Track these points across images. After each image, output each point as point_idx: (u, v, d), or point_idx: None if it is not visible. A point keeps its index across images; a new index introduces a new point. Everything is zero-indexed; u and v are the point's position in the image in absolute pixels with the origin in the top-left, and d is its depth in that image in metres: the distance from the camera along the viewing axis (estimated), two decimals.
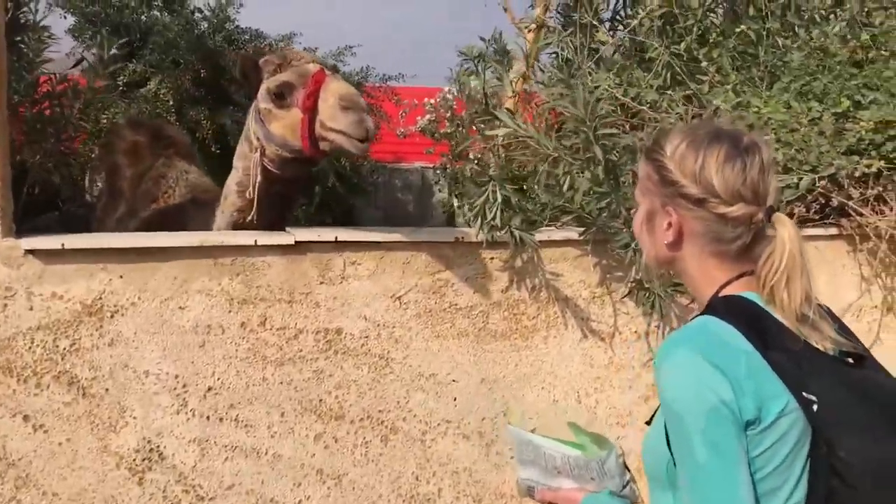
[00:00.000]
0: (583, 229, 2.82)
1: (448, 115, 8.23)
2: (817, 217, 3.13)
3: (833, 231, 3.23)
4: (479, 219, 2.60)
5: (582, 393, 3.02)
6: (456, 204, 6.49)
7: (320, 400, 2.71)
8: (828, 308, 1.45)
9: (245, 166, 2.81)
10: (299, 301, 2.67)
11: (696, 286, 1.46)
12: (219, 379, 2.59)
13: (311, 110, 2.50)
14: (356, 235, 2.69)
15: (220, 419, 2.60)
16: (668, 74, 3.82)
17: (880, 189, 3.01)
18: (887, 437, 1.30)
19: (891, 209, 3.04)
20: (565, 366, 2.98)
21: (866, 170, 2.90)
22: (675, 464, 1.33)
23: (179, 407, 2.55)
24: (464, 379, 2.87)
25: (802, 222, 3.15)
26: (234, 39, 6.28)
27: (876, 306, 3.37)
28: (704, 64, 3.78)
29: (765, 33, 3.86)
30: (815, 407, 1.26)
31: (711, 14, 3.97)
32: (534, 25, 4.37)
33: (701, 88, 3.71)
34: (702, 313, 1.39)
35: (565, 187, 2.53)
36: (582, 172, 2.45)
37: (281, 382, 2.66)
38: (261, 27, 6.44)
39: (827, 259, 3.24)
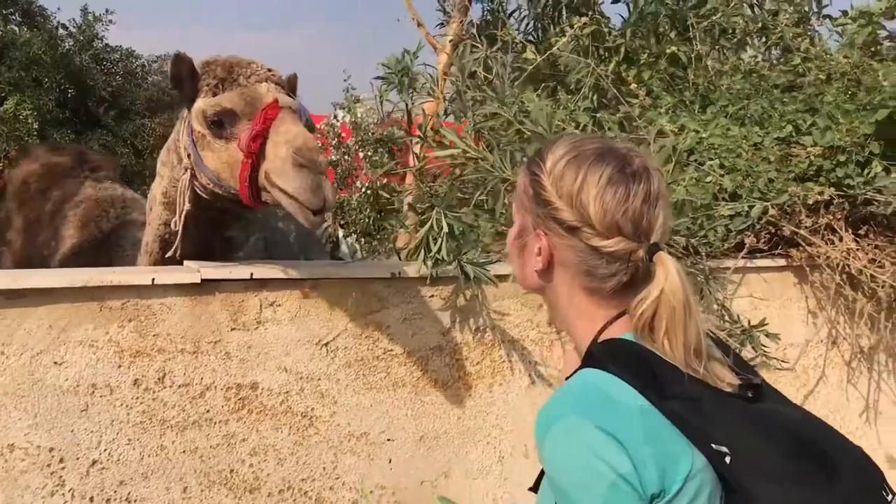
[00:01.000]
0: None
1: (334, 142, 7.99)
2: (766, 248, 3.11)
3: (781, 262, 3.22)
4: (422, 251, 2.37)
5: (530, 447, 2.82)
6: (342, 234, 6.24)
7: (231, 470, 2.36)
8: (716, 337, 1.32)
9: (172, 176, 2.44)
10: (206, 351, 2.33)
11: (568, 322, 1.30)
12: (106, 450, 2.21)
13: (256, 154, 2.10)
14: (275, 272, 2.39)
15: (108, 500, 2.21)
16: (595, 96, 3.80)
17: (830, 218, 3.03)
18: (803, 480, 1.17)
19: (840, 239, 3.07)
20: (512, 417, 2.77)
21: (819, 197, 2.90)
22: None
23: (55, 487, 2.14)
24: (400, 437, 2.60)
25: (752, 253, 3.12)
26: (103, 58, 5.90)
27: (822, 340, 3.39)
28: (634, 86, 3.76)
29: (693, 56, 3.91)
30: (727, 459, 1.12)
31: (638, 35, 3.99)
32: (448, 43, 4.27)
33: (631, 112, 3.68)
34: (582, 364, 1.22)
35: None
36: None
37: (184, 451, 2.30)
38: (133, 45, 6.09)
39: (776, 293, 3.23)
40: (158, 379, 2.27)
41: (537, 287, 1.33)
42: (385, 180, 8.15)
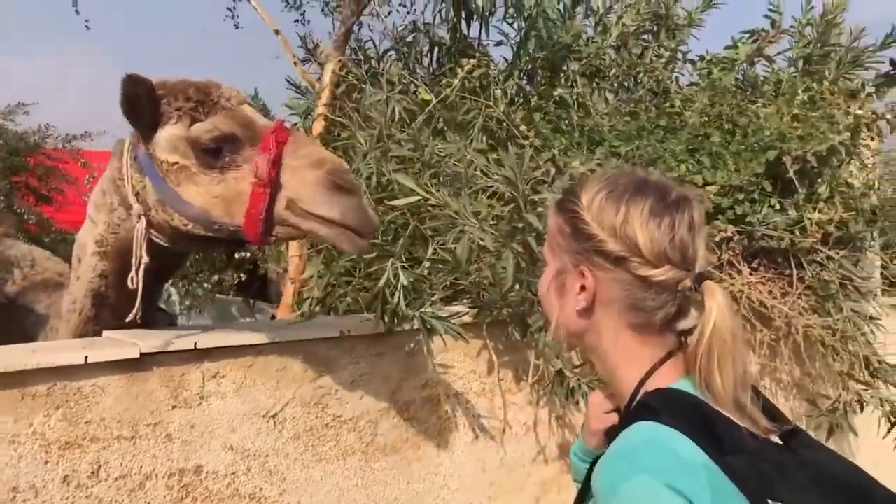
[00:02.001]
0: (475, 310, 2.68)
1: None
2: None
3: None
4: (380, 305, 2.32)
5: None
6: None
7: None
8: (753, 386, 1.36)
9: (110, 221, 2.18)
10: (145, 436, 2.13)
11: (611, 366, 1.34)
12: None
13: (274, 183, 1.93)
14: (219, 339, 2.24)
15: None
16: (484, 137, 3.93)
17: (730, 253, 3.32)
18: None
19: (739, 272, 3.37)
20: (458, 475, 2.75)
21: (724, 234, 3.18)
22: None
23: None
24: None
25: None
26: None
27: None
28: (523, 128, 3.93)
29: (575, 98, 4.16)
30: None
31: (522, 78, 4.18)
32: (328, 82, 4.25)
33: (523, 153, 3.84)
34: (634, 415, 1.26)
35: (496, 265, 2.37)
36: (506, 246, 2.31)
37: None
38: None
39: None
40: (92, 472, 2.05)
41: (577, 330, 1.33)
42: None
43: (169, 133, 2.03)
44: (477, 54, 4.10)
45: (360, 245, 1.99)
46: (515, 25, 4.19)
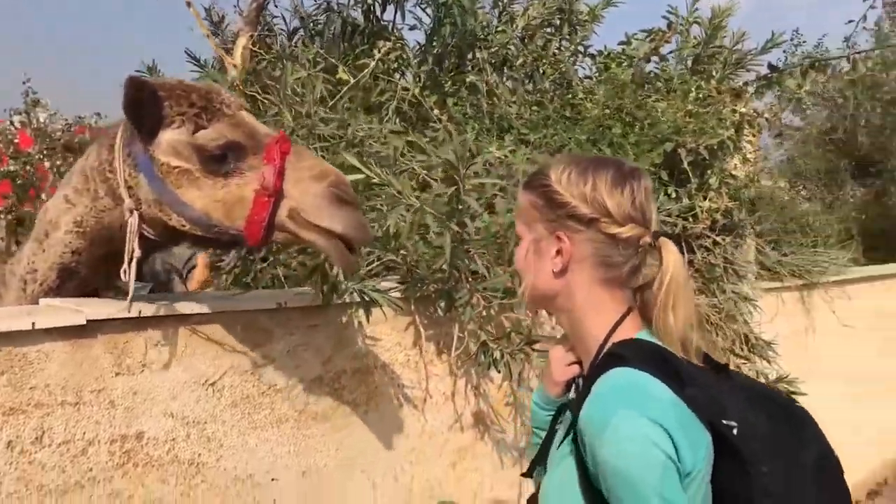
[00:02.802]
0: (404, 285, 2.82)
1: (10, 150, 7.42)
2: None
3: None
4: (319, 277, 2.42)
5: (398, 470, 2.96)
6: None
7: None
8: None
9: (94, 207, 2.20)
10: (89, 402, 2.15)
11: (580, 321, 1.54)
12: None
13: (279, 192, 2.00)
14: (163, 308, 2.29)
15: None
16: (397, 119, 4.06)
17: None
18: (795, 441, 1.59)
19: None
20: (384, 443, 2.89)
21: None
22: None
23: None
24: (284, 475, 2.60)
25: None
26: None
27: None
28: (437, 112, 4.09)
29: (485, 85, 4.35)
30: (734, 431, 1.43)
31: (437, 63, 4.33)
32: (240, 57, 4.27)
33: (437, 136, 4.00)
34: (608, 363, 1.46)
35: (434, 242, 2.50)
36: (444, 225, 2.45)
37: None
38: None
39: None
40: (36, 438, 2.06)
41: (552, 292, 1.53)
42: None
43: (171, 137, 2.06)
44: (392, 37, 4.22)
45: (350, 261, 2.09)
46: (429, 11, 4.33)
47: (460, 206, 2.50)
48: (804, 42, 4.77)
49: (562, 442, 1.57)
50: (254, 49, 4.32)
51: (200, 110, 2.06)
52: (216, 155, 2.04)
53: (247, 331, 2.48)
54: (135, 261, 2.09)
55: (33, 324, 2.03)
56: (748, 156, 4.35)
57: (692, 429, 1.38)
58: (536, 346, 2.75)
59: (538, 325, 2.96)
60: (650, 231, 1.50)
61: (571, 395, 1.71)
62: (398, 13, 4.33)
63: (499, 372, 2.87)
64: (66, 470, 2.12)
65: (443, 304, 2.83)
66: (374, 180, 2.52)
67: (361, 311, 2.73)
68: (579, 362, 1.69)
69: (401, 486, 2.96)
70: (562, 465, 1.52)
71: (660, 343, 1.49)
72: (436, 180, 2.97)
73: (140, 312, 2.22)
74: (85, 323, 2.12)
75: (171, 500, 2.33)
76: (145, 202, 2.11)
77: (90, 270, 2.30)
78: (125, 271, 2.08)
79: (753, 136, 4.37)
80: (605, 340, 1.51)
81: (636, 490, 1.31)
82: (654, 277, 1.50)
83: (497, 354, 2.74)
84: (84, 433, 2.15)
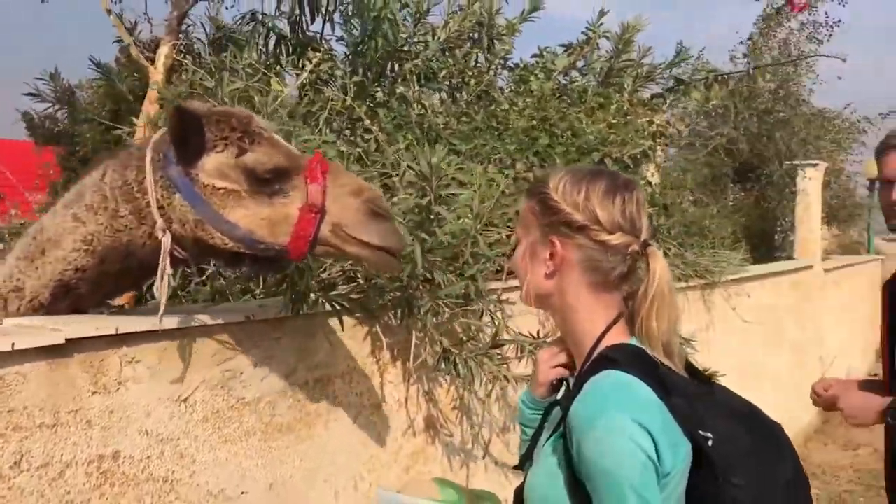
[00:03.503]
0: (361, 294, 2.87)
1: None
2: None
3: None
4: (288, 288, 2.45)
5: (358, 478, 3.00)
6: None
7: None
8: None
9: (111, 225, 2.24)
10: (66, 423, 2.10)
11: (572, 322, 1.66)
12: None
13: (323, 209, 2.12)
14: (137, 324, 2.25)
15: None
16: (327, 130, 4.10)
17: None
18: (772, 459, 1.78)
19: None
20: (344, 451, 2.93)
21: None
22: None
23: None
24: (253, 488, 2.59)
25: (510, 274, 3.73)
26: None
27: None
28: (367, 122, 4.15)
29: (414, 96, 4.44)
30: (710, 442, 1.58)
31: (366, 75, 4.38)
32: (162, 67, 4.20)
33: (368, 147, 4.07)
34: (599, 365, 1.59)
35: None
36: (416, 234, 2.51)
37: None
38: None
39: (528, 309, 3.87)
40: (14, 463, 2.00)
41: (545, 292, 1.65)
42: None
43: (218, 161, 2.15)
44: (321, 49, 4.25)
45: (395, 266, 2.28)
46: (357, 23, 4.38)
47: (431, 216, 2.58)
48: (691, 56, 5.07)
49: (549, 438, 1.68)
50: (176, 58, 4.26)
51: (242, 134, 2.17)
52: (265, 178, 2.15)
53: (217, 345, 2.48)
54: (167, 278, 2.16)
55: (13, 344, 1.97)
56: (660, 165, 4.62)
57: (673, 433, 1.50)
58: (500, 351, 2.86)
59: (504, 329, 3.07)
60: (639, 240, 1.63)
61: (561, 393, 1.83)
62: (326, 25, 4.36)
63: (458, 376, 2.96)
64: (44, 494, 2.07)
65: (401, 313, 2.90)
66: None
67: (328, 321, 2.78)
68: (567, 364, 1.81)
69: (360, 494, 3.00)
70: (549, 459, 1.62)
71: (649, 352, 1.62)
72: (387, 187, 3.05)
73: (117, 329, 2.19)
74: (64, 342, 2.07)
75: None
76: (179, 222, 2.17)
77: (91, 288, 2.32)
78: (158, 288, 2.15)
79: (665, 146, 4.65)
80: (597, 343, 1.63)
81: (616, 486, 1.42)
82: (638, 287, 1.64)
83: (457, 360, 2.84)
84: (62, 455, 2.10)
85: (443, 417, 3.38)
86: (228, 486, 2.53)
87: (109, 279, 2.32)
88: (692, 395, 1.61)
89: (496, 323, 3.26)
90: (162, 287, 2.14)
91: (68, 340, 2.09)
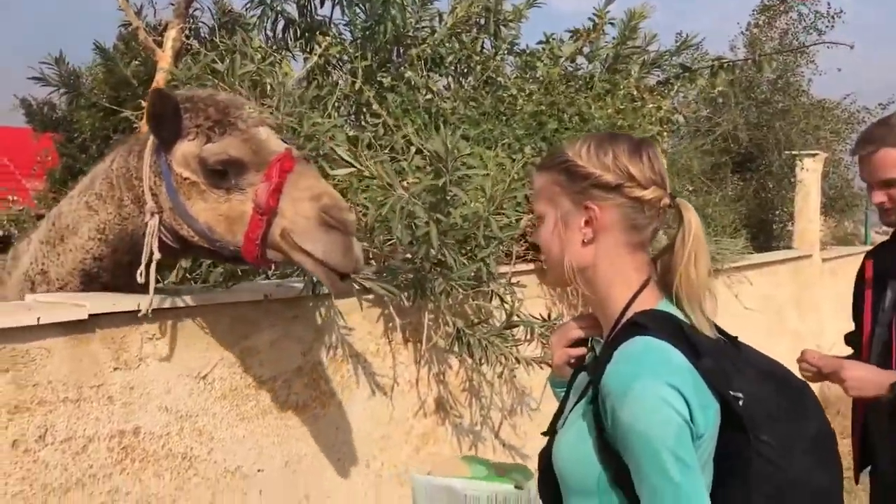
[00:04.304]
0: (377, 275, 2.89)
1: None
2: (528, 254, 3.77)
3: (531, 266, 3.91)
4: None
5: (370, 457, 3.02)
6: None
7: None
8: None
9: (118, 214, 2.22)
10: (88, 398, 2.12)
11: (605, 290, 1.65)
12: None
13: (273, 211, 2.00)
14: (157, 301, 2.26)
15: None
16: (336, 113, 4.10)
17: None
18: (799, 416, 1.81)
19: None
20: (357, 430, 2.95)
21: None
22: (614, 480, 1.54)
23: None
24: (269, 466, 2.62)
25: (519, 258, 3.75)
26: None
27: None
28: (376, 106, 4.15)
29: (422, 81, 4.44)
30: (740, 402, 1.59)
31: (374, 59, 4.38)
32: (170, 50, 4.19)
33: (377, 131, 4.07)
34: (629, 331, 1.59)
35: (417, 233, 2.57)
36: (432, 215, 2.52)
37: None
38: None
39: (531, 292, 3.90)
40: (39, 436, 2.02)
41: (582, 263, 1.62)
42: None
43: (184, 149, 2.09)
44: (330, 32, 4.25)
45: (340, 288, 2.09)
46: (365, 7, 4.37)
47: (447, 197, 2.59)
48: (696, 43, 5.09)
49: (576, 403, 1.69)
50: (185, 41, 4.25)
51: (214, 123, 2.08)
52: (217, 170, 2.06)
53: (235, 323, 2.50)
54: (154, 263, 2.09)
55: (38, 319, 1.99)
56: (666, 151, 4.63)
57: (704, 395, 1.51)
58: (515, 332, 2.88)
59: (517, 311, 3.09)
60: (667, 193, 1.65)
61: (587, 359, 1.84)
62: (335, 9, 4.36)
63: (472, 357, 2.98)
64: (67, 468, 2.09)
65: (414, 293, 2.92)
66: (365, 173, 2.57)
67: (343, 302, 2.80)
68: (582, 339, 1.83)
69: (372, 473, 3.03)
70: (577, 425, 1.63)
71: (677, 314, 1.64)
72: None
73: (139, 306, 2.21)
74: (87, 318, 2.09)
75: (165, 495, 2.32)
76: (165, 210, 2.14)
77: (111, 276, 2.32)
78: (141, 273, 2.09)
79: (670, 132, 4.66)
80: (626, 309, 1.64)
81: (653, 449, 1.43)
82: (673, 240, 1.65)
83: (473, 340, 2.85)
84: (84, 430, 2.13)
85: (453, 399, 3.40)
86: (245, 464, 2.55)
87: (124, 269, 2.28)
88: (721, 355, 1.63)
89: (509, 304, 3.27)
90: (147, 273, 2.08)
91: (91, 316, 2.11)
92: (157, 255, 2.10)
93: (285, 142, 2.26)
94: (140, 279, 2.09)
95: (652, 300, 1.64)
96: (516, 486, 1.69)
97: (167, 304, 2.29)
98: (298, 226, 2.01)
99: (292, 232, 2.01)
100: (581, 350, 1.82)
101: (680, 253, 1.61)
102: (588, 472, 1.54)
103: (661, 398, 1.45)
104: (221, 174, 2.06)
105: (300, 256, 2.03)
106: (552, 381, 1.92)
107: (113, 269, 2.30)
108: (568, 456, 1.62)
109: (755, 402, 1.61)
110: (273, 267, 2.26)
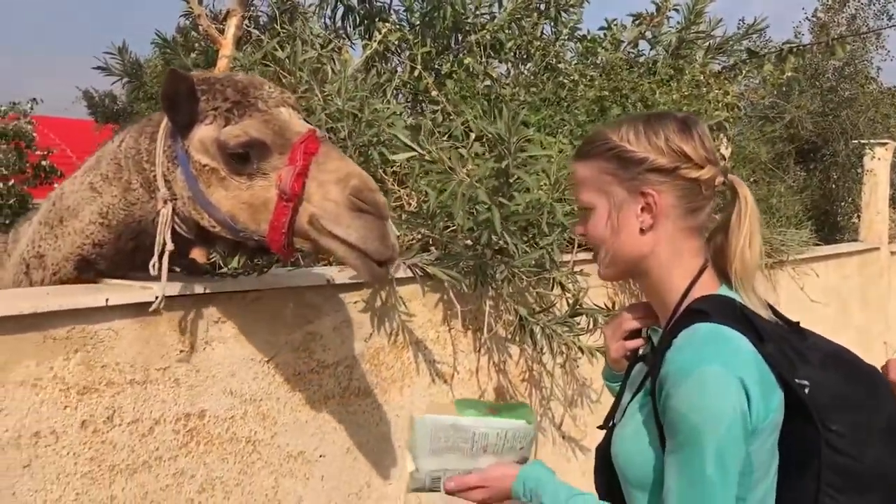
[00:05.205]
0: (438, 261, 2.86)
1: None
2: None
3: (593, 255, 3.83)
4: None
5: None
6: None
7: None
8: None
9: (125, 198, 2.11)
10: (155, 381, 2.13)
11: (663, 279, 1.57)
12: None
13: (298, 196, 1.87)
14: (223, 285, 2.27)
15: None
16: (395, 100, 4.08)
17: None
18: (869, 405, 1.71)
19: None
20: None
21: None
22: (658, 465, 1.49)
23: None
24: (330, 451, 2.61)
25: (580, 246, 3.68)
26: None
27: None
28: (435, 93, 4.12)
29: (481, 67, 4.39)
30: (806, 390, 1.51)
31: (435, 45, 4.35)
32: (231, 39, 4.21)
33: (435, 118, 4.03)
34: (689, 318, 1.52)
35: (479, 218, 2.54)
36: (495, 200, 2.48)
37: (134, 497, 2.09)
38: None
39: (592, 281, 3.83)
40: (108, 417, 2.04)
41: (640, 252, 1.55)
42: (11, 181, 7.47)
43: (203, 133, 1.96)
44: (390, 19, 4.23)
45: (378, 274, 1.94)
46: None
47: (510, 180, 2.54)
48: (764, 27, 4.93)
49: (634, 395, 1.63)
50: (246, 28, 4.27)
51: (233, 105, 1.95)
52: (238, 153, 1.93)
53: (299, 307, 2.49)
54: (166, 254, 1.98)
55: (107, 300, 2.00)
56: (732, 137, 4.51)
57: (767, 383, 1.44)
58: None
59: (583, 299, 3.03)
60: (721, 171, 1.57)
61: (643, 350, 1.78)
62: None
63: (535, 345, 2.93)
64: (134, 449, 2.10)
65: (476, 280, 2.88)
66: (426, 157, 2.54)
67: (404, 287, 2.78)
68: (637, 330, 1.76)
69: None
70: (635, 418, 1.58)
71: (737, 298, 1.56)
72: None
73: (205, 289, 2.21)
74: (154, 299, 2.09)
75: (229, 479, 2.33)
76: (181, 198, 2.02)
77: (110, 263, 2.20)
78: (154, 265, 1.97)
79: (735, 119, 4.53)
80: (685, 295, 1.57)
81: (699, 439, 1.37)
82: (726, 220, 1.57)
83: (536, 329, 2.80)
84: (151, 412, 2.13)
85: (513, 389, 3.36)
86: (307, 449, 2.54)
87: (125, 256, 2.18)
88: (783, 341, 1.55)
89: (572, 292, 3.21)
90: (160, 264, 1.97)
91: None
92: (169, 246, 1.98)
93: (306, 121, 2.13)
94: (153, 271, 1.98)
95: (711, 285, 1.57)
96: (527, 422, 1.64)
97: (233, 287, 2.29)
98: (327, 211, 1.89)
99: (321, 217, 1.89)
100: (638, 342, 1.76)
101: (736, 233, 1.55)
102: (649, 466, 1.50)
103: (720, 388, 1.39)
104: (243, 158, 1.93)
105: (331, 243, 1.91)
106: (606, 375, 1.87)
107: (113, 255, 2.19)
108: (628, 449, 1.57)
109: (822, 389, 1.53)
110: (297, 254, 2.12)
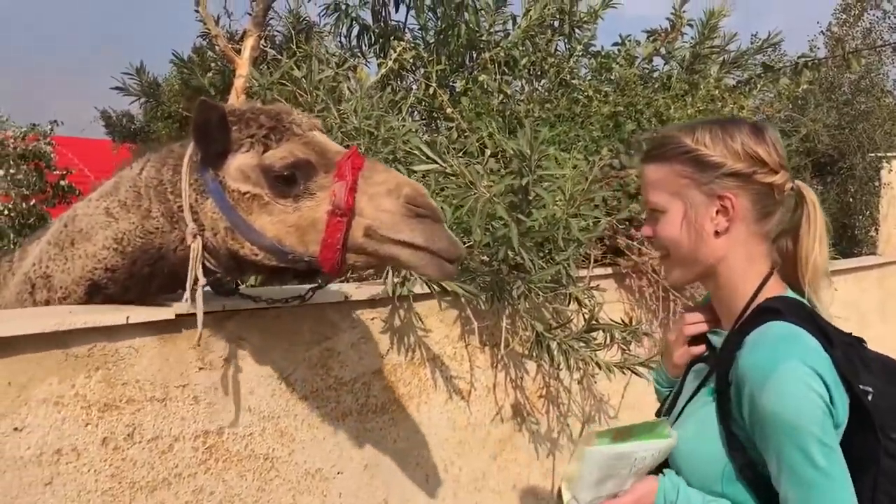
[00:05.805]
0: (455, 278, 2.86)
1: None
2: (606, 258, 3.70)
3: (609, 270, 3.83)
4: (391, 270, 2.46)
5: (448, 462, 2.99)
6: None
7: None
8: None
9: (142, 226, 2.10)
10: (174, 398, 2.15)
11: (734, 283, 1.59)
12: None
13: (352, 211, 1.91)
14: (241, 303, 2.29)
15: None
16: (410, 118, 4.10)
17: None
18: None
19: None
20: (434, 435, 2.92)
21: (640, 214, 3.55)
22: (740, 473, 1.50)
23: None
24: (348, 468, 2.61)
25: (597, 261, 3.68)
26: None
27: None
28: (450, 110, 4.14)
29: (497, 84, 4.41)
30: (870, 397, 1.52)
31: (449, 63, 4.38)
32: (247, 59, 4.26)
33: (450, 135, 4.06)
34: (762, 317, 1.53)
35: (497, 234, 2.55)
36: (513, 215, 2.50)
37: None
38: None
39: (609, 296, 3.82)
40: (128, 435, 2.05)
41: (714, 255, 1.57)
42: (32, 201, 7.54)
43: (240, 162, 1.99)
44: (404, 38, 4.26)
45: (449, 271, 1.97)
46: (439, 12, 4.37)
47: (529, 197, 2.55)
48: (779, 41, 4.93)
49: (694, 394, 1.64)
50: (263, 48, 4.32)
51: (269, 131, 1.99)
52: (284, 175, 1.95)
53: (317, 324, 2.50)
54: (200, 290, 1.98)
55: (127, 318, 2.02)
56: None
57: (839, 384, 1.46)
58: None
59: (598, 314, 3.02)
60: (791, 177, 1.58)
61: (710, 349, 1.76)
62: (412, 13, 4.37)
63: (552, 361, 2.92)
64: (154, 466, 2.12)
65: (493, 296, 2.88)
66: (448, 170, 2.56)
67: (421, 304, 2.79)
68: (699, 335, 1.76)
69: (450, 478, 3.00)
70: (697, 415, 1.59)
71: (805, 303, 1.57)
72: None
73: (224, 307, 2.23)
74: (174, 318, 2.11)
75: (248, 496, 2.33)
76: (211, 230, 2.03)
77: (121, 288, 2.18)
78: (187, 299, 1.98)
79: None
80: (752, 298, 1.57)
81: (798, 436, 1.39)
82: (794, 225, 1.59)
83: (553, 345, 2.80)
84: (171, 429, 2.15)
85: (530, 405, 3.35)
86: (325, 466, 2.55)
87: (138, 282, 2.16)
88: (850, 347, 1.57)
89: (588, 307, 3.21)
90: (193, 299, 1.97)
91: (178, 316, 2.13)
92: (202, 281, 1.99)
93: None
94: (186, 305, 2.01)
95: (778, 289, 1.59)
96: (669, 437, 1.64)
97: (251, 305, 2.31)
98: (384, 221, 1.93)
99: (380, 227, 1.93)
100: (702, 347, 1.76)
101: (806, 238, 1.57)
102: (712, 466, 1.52)
103: (806, 383, 1.40)
104: (289, 180, 1.95)
105: (395, 248, 1.94)
106: (658, 379, 1.87)
107: (125, 280, 2.16)
108: (688, 450, 1.59)
109: (884, 398, 1.54)
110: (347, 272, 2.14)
